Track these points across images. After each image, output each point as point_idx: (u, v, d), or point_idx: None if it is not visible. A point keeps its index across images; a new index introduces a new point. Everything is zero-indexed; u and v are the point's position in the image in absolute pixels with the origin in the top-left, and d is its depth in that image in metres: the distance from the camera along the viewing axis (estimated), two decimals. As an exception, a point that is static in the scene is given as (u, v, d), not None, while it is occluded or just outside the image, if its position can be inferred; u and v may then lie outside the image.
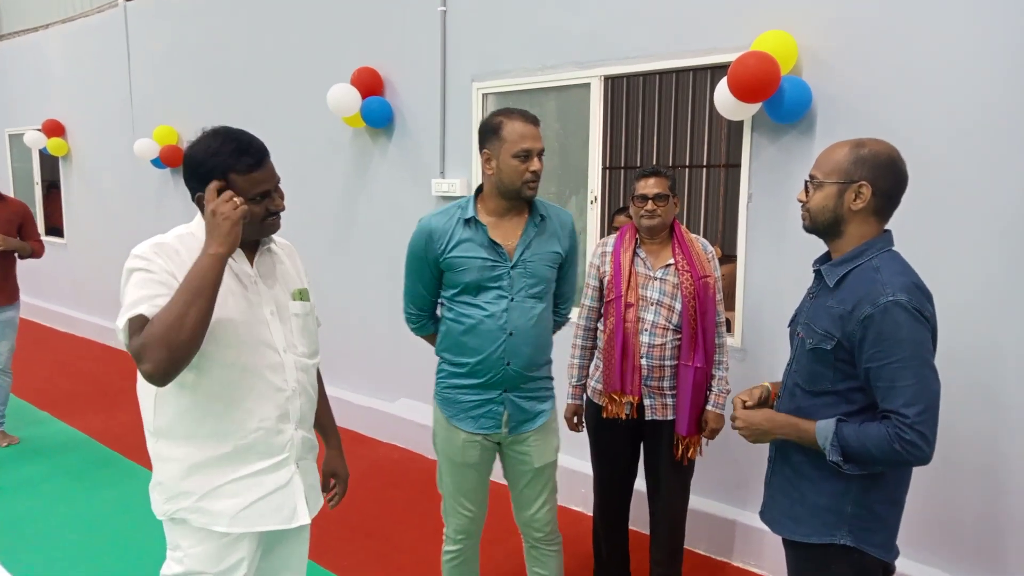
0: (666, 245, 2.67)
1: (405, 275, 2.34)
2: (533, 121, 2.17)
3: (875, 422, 1.60)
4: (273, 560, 1.88)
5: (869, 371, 1.59)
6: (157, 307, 1.52)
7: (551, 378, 2.39)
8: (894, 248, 1.69)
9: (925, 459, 1.57)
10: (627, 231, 2.72)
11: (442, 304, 2.33)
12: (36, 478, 4.12)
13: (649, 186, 2.60)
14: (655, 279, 2.62)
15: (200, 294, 1.50)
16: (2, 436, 4.62)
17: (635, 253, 2.66)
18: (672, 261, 2.62)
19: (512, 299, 2.20)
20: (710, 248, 2.71)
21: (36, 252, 4.56)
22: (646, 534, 2.98)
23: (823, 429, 1.65)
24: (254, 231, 1.71)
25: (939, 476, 2.66)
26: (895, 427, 1.55)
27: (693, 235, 2.70)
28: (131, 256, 1.63)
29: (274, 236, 1.84)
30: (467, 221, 2.19)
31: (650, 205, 2.59)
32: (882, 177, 1.64)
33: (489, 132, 2.17)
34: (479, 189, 2.27)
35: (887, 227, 1.71)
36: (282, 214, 1.76)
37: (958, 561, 2.77)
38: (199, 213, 1.73)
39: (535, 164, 2.14)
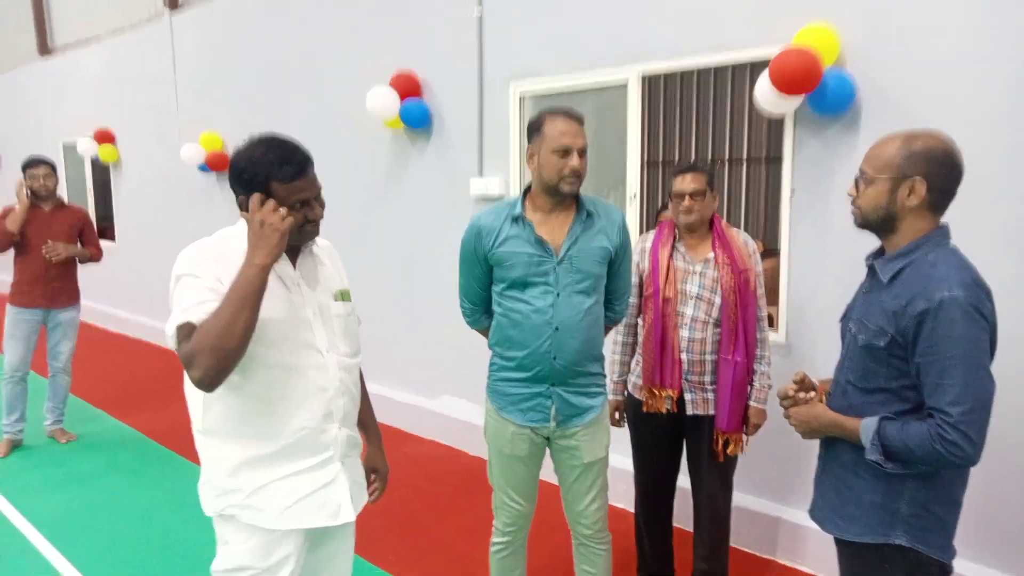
0: (705, 239, 2.65)
1: (459, 271, 2.40)
2: (576, 119, 2.20)
3: (919, 420, 1.56)
4: (320, 555, 1.92)
5: (920, 367, 1.56)
6: (205, 313, 1.56)
7: (603, 374, 2.39)
8: (951, 243, 1.65)
9: (969, 461, 1.52)
10: (666, 226, 2.71)
11: (494, 300, 2.37)
12: (92, 473, 4.28)
13: (686, 182, 2.58)
14: (695, 273, 2.61)
15: (246, 304, 1.54)
16: (61, 433, 4.81)
17: (674, 248, 2.65)
18: (712, 255, 2.60)
19: (559, 294, 2.22)
20: (752, 243, 2.68)
21: (95, 257, 4.72)
22: (689, 531, 2.96)
23: (867, 427, 1.62)
24: (291, 237, 1.73)
25: (991, 471, 2.59)
26: (937, 426, 1.51)
27: (735, 229, 2.68)
28: (178, 260, 1.68)
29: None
30: (515, 218, 2.24)
31: (687, 202, 2.57)
32: (937, 172, 1.60)
33: (533, 130, 2.23)
34: (528, 187, 2.32)
35: (943, 221, 1.67)
36: (324, 213, 1.79)
37: (1014, 560, 2.69)
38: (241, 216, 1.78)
39: (574, 160, 2.16)
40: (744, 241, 2.65)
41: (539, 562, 3.17)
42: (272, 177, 1.66)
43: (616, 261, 2.34)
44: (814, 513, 1.85)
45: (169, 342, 1.60)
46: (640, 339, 2.72)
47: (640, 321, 2.74)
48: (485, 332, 2.48)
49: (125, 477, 4.23)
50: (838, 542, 1.78)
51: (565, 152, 2.15)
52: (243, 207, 1.71)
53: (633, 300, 2.76)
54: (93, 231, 4.80)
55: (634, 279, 2.75)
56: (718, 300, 2.57)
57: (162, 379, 6.18)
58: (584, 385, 2.31)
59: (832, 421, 1.71)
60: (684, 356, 2.59)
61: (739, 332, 2.55)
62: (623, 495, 3.72)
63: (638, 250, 2.76)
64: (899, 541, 1.64)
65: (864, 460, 1.65)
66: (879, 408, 1.65)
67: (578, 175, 2.19)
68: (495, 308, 2.35)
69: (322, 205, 1.78)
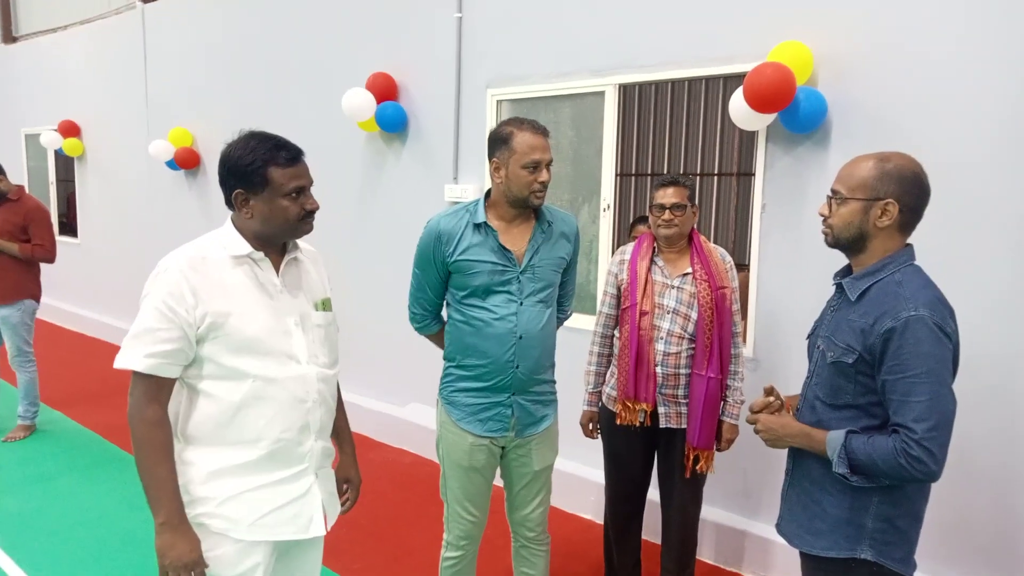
0: (684, 254, 2.67)
1: (412, 275, 2.37)
2: (543, 132, 2.19)
3: (885, 435, 1.59)
4: (288, 565, 1.89)
5: (885, 384, 1.59)
6: (155, 355, 1.61)
7: (555, 381, 2.42)
8: (916, 263, 1.69)
9: (931, 476, 1.56)
10: (645, 239, 2.73)
11: (449, 306, 2.35)
12: (47, 475, 4.15)
13: (667, 196, 2.60)
14: (672, 287, 2.62)
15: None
16: (18, 428, 4.71)
17: (652, 261, 2.66)
18: (690, 270, 2.62)
19: (521, 303, 2.23)
20: (728, 258, 2.71)
21: (35, 254, 4.54)
22: (656, 543, 2.97)
23: (833, 440, 1.65)
24: (289, 231, 1.74)
25: (953, 484, 2.65)
26: (902, 442, 1.55)
27: (712, 245, 2.70)
28: (157, 270, 1.66)
29: (300, 243, 1.85)
30: (477, 226, 2.22)
31: (667, 215, 2.59)
32: (908, 193, 1.64)
33: (499, 142, 2.20)
34: (487, 193, 2.30)
35: (909, 241, 1.71)
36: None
37: (973, 570, 2.76)
38: (228, 217, 1.76)
39: (544, 175, 2.17)
40: (721, 256, 2.68)
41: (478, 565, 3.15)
42: (270, 162, 1.67)
43: (569, 267, 2.40)
44: (781, 527, 1.87)
45: (120, 359, 1.66)
46: (616, 351, 2.73)
47: (616, 333, 2.75)
48: (434, 338, 2.47)
49: (82, 479, 4.11)
50: (803, 556, 1.80)
51: (535, 167, 2.16)
52: (236, 201, 1.70)
53: (610, 312, 2.77)
54: (42, 228, 4.60)
55: (611, 291, 2.76)
56: (694, 315, 2.58)
57: (123, 379, 6.03)
58: (541, 393, 2.34)
59: (800, 431, 1.74)
60: (659, 370, 2.60)
61: (714, 348, 2.57)
62: (591, 506, 3.73)
63: (616, 262, 2.77)
64: (865, 555, 1.67)
65: (832, 475, 1.68)
66: (847, 424, 1.68)
67: (546, 188, 2.21)
68: (452, 315, 2.32)
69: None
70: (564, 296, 2.47)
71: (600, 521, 3.61)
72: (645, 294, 2.61)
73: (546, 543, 2.49)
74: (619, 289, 2.73)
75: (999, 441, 2.67)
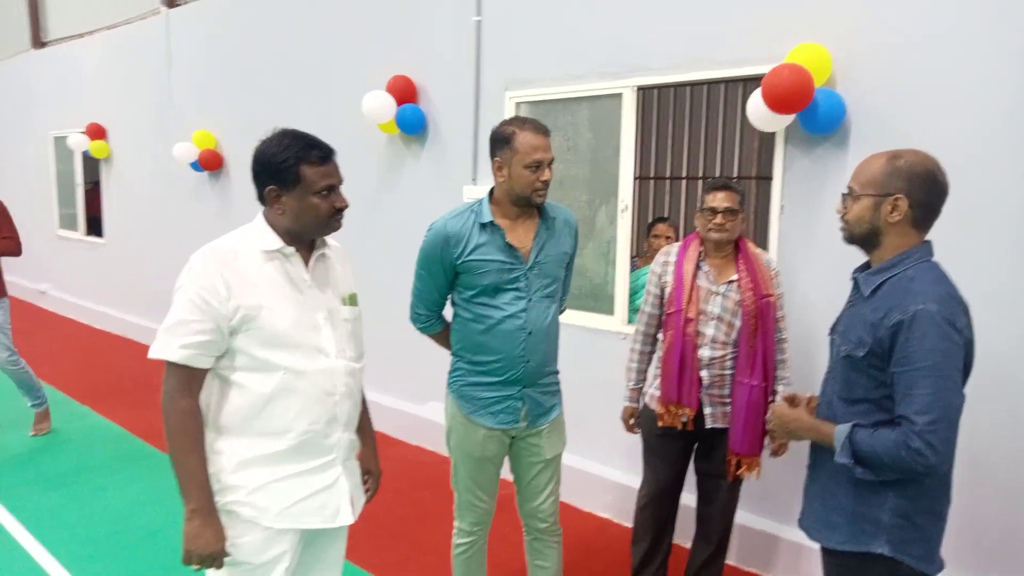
0: (730, 260, 2.64)
1: (416, 276, 2.42)
2: (544, 132, 2.23)
3: (890, 428, 1.61)
4: (313, 554, 1.94)
5: (893, 377, 1.62)
6: (189, 345, 1.65)
7: (559, 371, 2.47)
8: (933, 259, 1.70)
9: (931, 470, 1.57)
10: (691, 242, 2.70)
11: (455, 304, 2.39)
12: (77, 469, 4.25)
13: (719, 199, 2.58)
14: (717, 294, 2.61)
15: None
16: (37, 418, 4.77)
17: (698, 266, 2.64)
18: (735, 277, 2.60)
19: (530, 300, 2.28)
20: (775, 264, 2.70)
21: (7, 250, 4.46)
22: (678, 544, 2.96)
23: (839, 433, 1.67)
24: (319, 228, 1.79)
25: (972, 488, 2.64)
26: (904, 434, 1.56)
27: (758, 251, 2.68)
28: (190, 264, 1.71)
29: (327, 239, 1.90)
30: (483, 225, 2.26)
31: (719, 219, 2.58)
32: (919, 189, 1.65)
33: (501, 141, 2.24)
34: (491, 192, 2.34)
35: (927, 238, 1.72)
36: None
37: (981, 568, 2.73)
38: (260, 213, 1.81)
39: (546, 174, 2.22)
40: (767, 263, 2.66)
41: (496, 561, 3.16)
42: (302, 160, 1.72)
43: (569, 262, 2.44)
44: (802, 522, 1.89)
45: (155, 350, 1.69)
46: (659, 352, 2.73)
47: (660, 335, 2.75)
48: (437, 337, 2.52)
49: (110, 473, 4.20)
50: (823, 550, 1.82)
51: (538, 166, 2.20)
52: (268, 198, 1.75)
53: (653, 311, 2.78)
54: (6, 223, 4.51)
55: (655, 291, 2.76)
56: (738, 323, 2.57)
57: (147, 376, 6.14)
58: (548, 384, 2.40)
59: (810, 424, 1.77)
60: (704, 372, 2.60)
61: (757, 356, 2.56)
62: (608, 505, 3.74)
63: (660, 262, 2.76)
64: (881, 550, 1.67)
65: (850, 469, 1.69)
66: (862, 419, 1.69)
67: (547, 186, 2.25)
68: (460, 313, 2.37)
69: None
70: (562, 292, 2.49)
71: (617, 519, 3.63)
72: (691, 301, 2.59)
73: (558, 534, 2.52)
74: (662, 290, 2.73)
75: (1011, 442, 2.65)
